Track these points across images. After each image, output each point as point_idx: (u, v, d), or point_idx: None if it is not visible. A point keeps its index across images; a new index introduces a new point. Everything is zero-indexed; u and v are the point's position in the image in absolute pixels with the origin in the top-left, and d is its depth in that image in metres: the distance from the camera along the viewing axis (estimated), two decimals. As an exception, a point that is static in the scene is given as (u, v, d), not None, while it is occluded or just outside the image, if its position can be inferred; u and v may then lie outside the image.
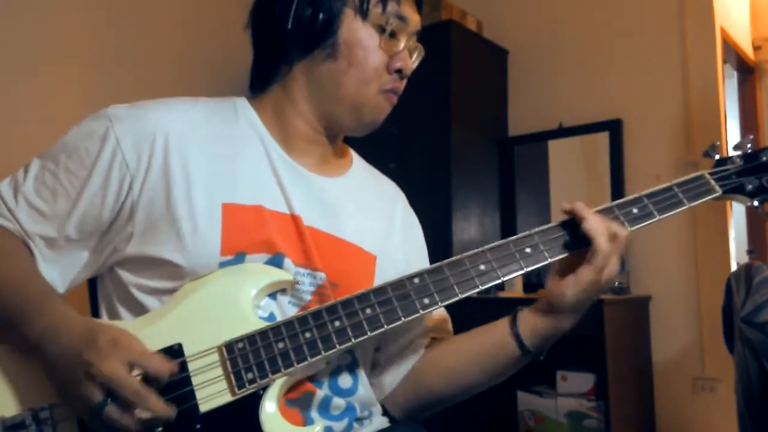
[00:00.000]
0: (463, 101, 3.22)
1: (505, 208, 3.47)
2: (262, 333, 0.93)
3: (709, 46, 3.09)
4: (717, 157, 1.12)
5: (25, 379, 0.90)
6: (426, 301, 0.97)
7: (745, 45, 4.05)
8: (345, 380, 1.07)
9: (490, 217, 3.39)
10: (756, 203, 1.09)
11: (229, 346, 0.92)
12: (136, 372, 0.85)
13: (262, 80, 1.14)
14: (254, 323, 0.95)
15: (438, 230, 3.03)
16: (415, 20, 1.11)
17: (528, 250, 1.02)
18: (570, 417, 2.82)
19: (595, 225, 1.00)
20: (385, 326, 0.95)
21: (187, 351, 0.92)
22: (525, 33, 3.56)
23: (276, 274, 1.00)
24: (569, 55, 3.40)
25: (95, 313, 1.11)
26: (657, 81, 3.15)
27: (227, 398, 0.90)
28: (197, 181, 1.01)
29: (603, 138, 3.25)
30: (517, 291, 3.04)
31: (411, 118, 2.35)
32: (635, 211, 1.05)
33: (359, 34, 1.06)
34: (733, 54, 3.86)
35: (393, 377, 1.17)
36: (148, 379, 0.85)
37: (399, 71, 1.09)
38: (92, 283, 1.13)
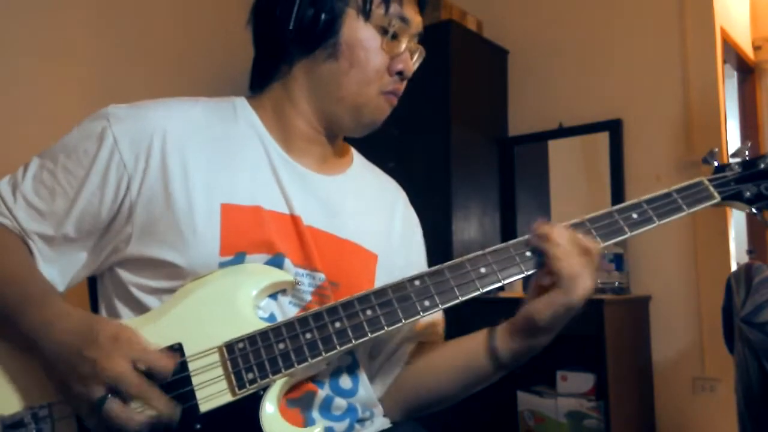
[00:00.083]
0: (463, 101, 3.21)
1: (505, 208, 3.47)
2: (263, 333, 0.93)
3: (709, 46, 3.09)
4: (716, 163, 1.13)
5: (24, 378, 0.90)
6: (426, 303, 0.97)
7: (745, 45, 4.05)
8: (346, 381, 1.07)
9: (490, 217, 3.39)
10: (755, 210, 1.09)
11: (230, 347, 0.92)
12: (139, 367, 0.84)
13: (262, 79, 1.14)
14: (255, 324, 0.95)
15: (438, 230, 3.03)
16: (417, 22, 1.11)
17: (528, 253, 1.01)
18: (570, 417, 2.82)
19: (555, 250, 0.98)
20: (386, 328, 0.95)
21: (188, 351, 0.92)
22: (525, 33, 3.56)
23: (276, 275, 1.00)
24: (569, 55, 3.40)
25: (95, 313, 1.11)
26: (657, 81, 3.15)
27: (227, 398, 0.90)
28: (196, 181, 1.00)
29: (603, 138, 3.25)
30: (518, 291, 3.04)
31: (411, 118, 2.35)
32: (635, 216, 1.05)
33: (361, 35, 1.06)
34: (733, 54, 3.86)
35: (379, 388, 1.17)
36: (149, 375, 0.85)
37: (400, 73, 1.09)
38: (92, 283, 1.13)
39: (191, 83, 2.96)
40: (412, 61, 1.11)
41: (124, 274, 1.03)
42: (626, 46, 3.24)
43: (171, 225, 0.98)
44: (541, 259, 1.00)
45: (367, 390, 1.11)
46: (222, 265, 0.99)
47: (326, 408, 1.03)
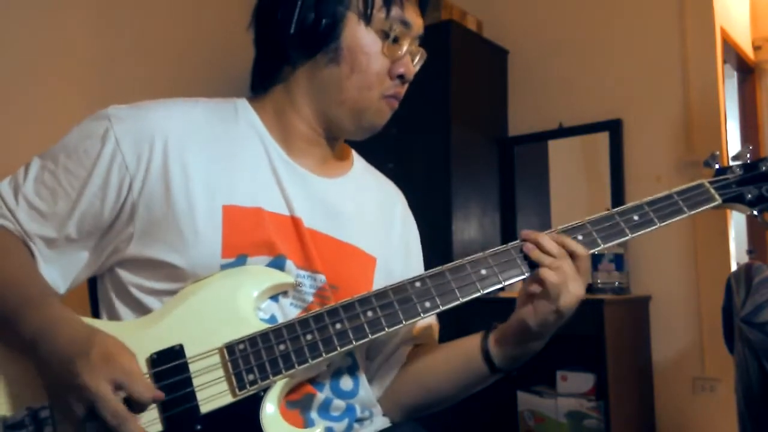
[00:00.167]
0: (463, 101, 3.21)
1: (505, 208, 3.46)
2: (264, 335, 0.93)
3: (709, 46, 3.09)
4: (717, 166, 1.13)
5: (24, 379, 0.90)
6: (427, 304, 0.98)
7: (745, 45, 4.05)
8: (346, 382, 1.07)
9: (490, 217, 3.39)
10: (756, 212, 1.10)
11: (231, 348, 0.93)
12: (121, 392, 0.83)
13: (263, 81, 1.14)
14: (255, 325, 0.95)
15: (438, 230, 3.03)
16: (418, 24, 1.11)
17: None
18: (570, 417, 2.82)
19: (542, 258, 0.99)
20: (387, 329, 0.95)
21: (189, 352, 0.92)
22: (525, 33, 3.56)
23: (278, 277, 1.00)
24: (569, 55, 3.40)
25: (95, 313, 1.11)
26: (657, 81, 3.15)
27: (228, 399, 0.91)
28: (197, 182, 1.00)
29: (603, 138, 3.25)
30: (518, 291, 3.04)
31: (411, 118, 2.34)
32: (636, 218, 1.06)
33: (362, 40, 1.06)
34: (733, 54, 3.86)
35: (377, 390, 1.17)
36: (132, 403, 0.83)
37: (401, 76, 1.09)
38: (92, 283, 1.13)
39: (191, 83, 2.96)
40: (413, 64, 1.11)
41: (125, 275, 1.03)
42: (626, 46, 3.24)
43: (172, 226, 0.98)
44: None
45: (366, 391, 1.11)
46: (223, 266, 0.99)
47: (325, 409, 1.03)
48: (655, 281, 3.07)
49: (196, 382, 0.90)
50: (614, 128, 3.22)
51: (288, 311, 1.02)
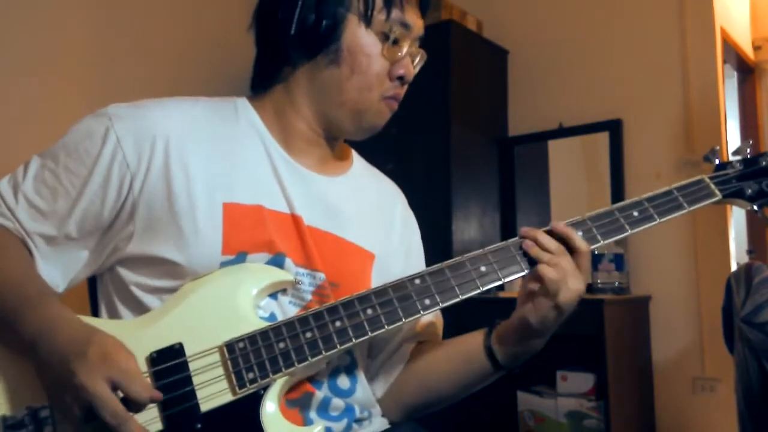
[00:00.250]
0: (463, 101, 3.21)
1: (505, 208, 3.46)
2: (263, 333, 0.93)
3: (709, 46, 3.09)
4: (717, 161, 1.13)
5: (24, 378, 0.90)
6: (427, 302, 0.98)
7: (745, 45, 4.05)
8: (344, 381, 1.07)
9: (490, 217, 3.39)
10: (756, 207, 1.09)
11: (230, 346, 0.93)
12: (119, 392, 0.83)
13: (263, 81, 1.14)
14: (255, 323, 0.95)
15: (438, 230, 3.03)
16: (418, 26, 1.11)
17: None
18: (570, 417, 2.81)
19: (542, 255, 0.99)
20: (386, 327, 0.96)
21: (188, 350, 0.92)
22: (525, 33, 3.56)
23: (277, 275, 1.00)
24: (569, 55, 3.40)
25: (95, 312, 1.11)
26: (657, 81, 3.15)
27: (228, 398, 0.91)
28: (198, 180, 1.01)
29: (603, 138, 3.25)
30: (518, 291, 3.04)
31: (411, 118, 2.34)
32: (636, 214, 1.06)
33: (362, 41, 1.06)
34: (733, 54, 3.86)
35: (380, 387, 1.17)
36: (130, 403, 0.83)
37: (401, 78, 1.09)
38: (92, 282, 1.13)
39: (191, 83, 2.96)
40: (413, 65, 1.11)
41: (125, 273, 1.03)
42: (626, 46, 3.24)
43: (173, 224, 0.99)
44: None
45: (365, 390, 1.11)
46: (223, 264, 0.99)
47: (324, 408, 1.03)
48: (655, 281, 3.07)
49: (195, 380, 0.90)
50: (614, 128, 3.21)
51: (287, 309, 1.02)
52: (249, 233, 1.01)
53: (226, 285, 0.98)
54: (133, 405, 0.83)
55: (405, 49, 1.08)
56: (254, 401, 0.91)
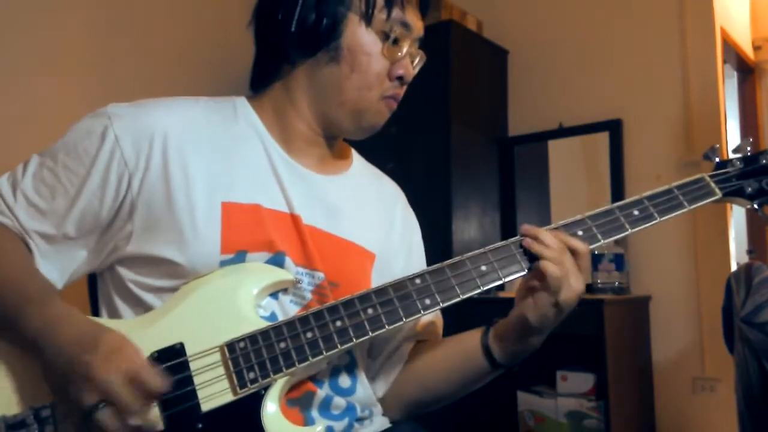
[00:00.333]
0: (463, 101, 3.21)
1: (505, 208, 3.47)
2: (264, 332, 0.93)
3: (709, 46, 3.09)
4: (717, 159, 1.13)
5: (26, 378, 0.90)
6: (427, 301, 0.98)
7: (745, 45, 4.05)
8: (344, 380, 1.08)
9: (490, 217, 3.39)
10: (756, 206, 1.09)
11: (231, 346, 0.93)
12: (132, 385, 0.83)
13: (263, 80, 1.15)
14: (255, 323, 0.95)
15: (438, 230, 3.03)
16: (418, 27, 1.11)
17: (529, 251, 1.01)
18: (570, 417, 2.82)
19: (544, 252, 0.98)
20: (387, 326, 0.95)
21: (189, 350, 0.92)
22: (525, 33, 3.56)
23: (278, 274, 1.00)
24: (569, 55, 3.40)
25: (95, 311, 1.11)
26: (657, 81, 3.15)
27: (229, 398, 0.91)
28: (196, 180, 1.01)
29: (603, 138, 3.25)
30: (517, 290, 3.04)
31: (411, 118, 2.34)
32: (636, 212, 1.05)
33: (363, 40, 1.06)
34: (733, 54, 3.87)
35: (381, 387, 1.18)
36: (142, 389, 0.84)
37: (400, 78, 1.10)
38: (92, 281, 1.13)
39: (191, 83, 2.96)
40: (412, 66, 1.12)
41: (125, 272, 1.03)
42: (626, 46, 3.24)
43: (172, 223, 0.99)
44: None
45: (365, 389, 1.11)
46: (223, 263, 0.99)
47: (325, 407, 1.03)
48: (655, 281, 3.07)
49: (196, 380, 0.90)
50: (614, 128, 3.22)
51: (288, 308, 1.02)
52: (248, 232, 1.01)
53: (227, 284, 0.98)
54: (147, 396, 0.84)
55: (405, 49, 1.09)
56: (255, 401, 0.91)
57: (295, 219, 1.06)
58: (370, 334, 0.95)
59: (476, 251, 1.02)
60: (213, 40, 3.08)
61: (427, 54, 1.14)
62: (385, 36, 1.07)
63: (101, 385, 0.81)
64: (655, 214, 1.05)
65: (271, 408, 0.91)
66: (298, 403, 1.00)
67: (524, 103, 3.53)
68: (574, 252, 1.00)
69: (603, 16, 3.33)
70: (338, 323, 0.95)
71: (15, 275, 0.95)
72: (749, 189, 1.09)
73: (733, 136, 4.08)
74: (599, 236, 1.03)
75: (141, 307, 1.01)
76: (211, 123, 1.07)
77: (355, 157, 1.25)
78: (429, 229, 1.31)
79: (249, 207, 1.03)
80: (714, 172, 1.11)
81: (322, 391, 1.03)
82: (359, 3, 1.06)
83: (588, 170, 3.41)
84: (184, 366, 0.91)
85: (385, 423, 1.13)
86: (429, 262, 1.26)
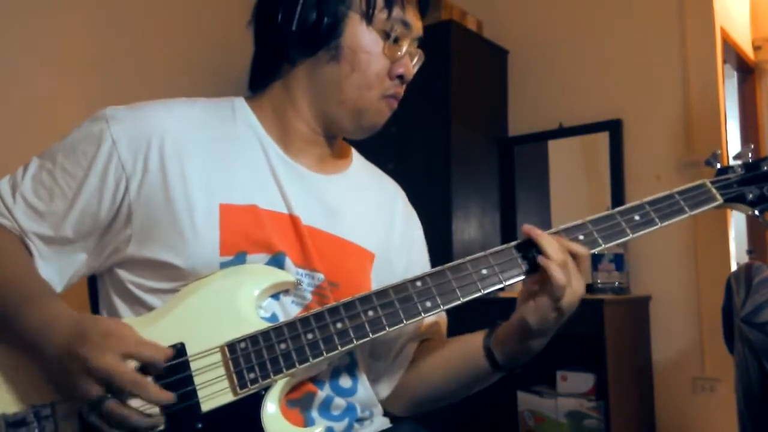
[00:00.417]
0: (463, 101, 3.21)
1: (505, 208, 3.47)
2: (265, 333, 0.94)
3: (709, 46, 3.09)
4: (718, 166, 1.13)
5: (26, 377, 0.90)
6: (428, 304, 0.98)
7: (745, 45, 4.05)
8: (345, 381, 1.08)
9: (490, 217, 3.39)
10: (757, 212, 1.09)
11: (232, 346, 0.93)
12: (131, 363, 0.85)
13: (262, 80, 1.14)
14: (256, 324, 0.95)
15: (438, 230, 3.03)
16: (418, 26, 1.11)
17: (530, 254, 1.01)
18: (570, 417, 2.82)
19: (551, 252, 0.98)
20: (388, 328, 0.96)
21: (190, 350, 0.92)
22: (525, 33, 3.56)
23: (279, 276, 1.00)
24: (569, 55, 3.40)
25: (95, 312, 1.11)
26: (657, 81, 3.15)
27: (229, 398, 0.91)
28: (194, 182, 1.01)
29: (603, 138, 3.25)
30: (517, 291, 3.04)
31: (410, 118, 2.34)
32: (637, 218, 1.05)
33: (363, 39, 1.06)
34: (733, 54, 3.87)
35: (385, 388, 1.18)
36: (144, 368, 0.86)
37: (400, 77, 1.10)
38: (92, 282, 1.13)
39: (191, 83, 2.96)
40: (411, 65, 1.12)
41: (124, 274, 1.03)
42: (626, 46, 3.24)
43: (171, 226, 0.99)
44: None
45: (366, 389, 1.11)
46: (223, 265, 0.99)
47: (326, 408, 1.03)
48: (655, 281, 3.07)
49: (197, 380, 0.91)
50: (614, 128, 3.22)
51: (289, 309, 1.02)
52: (246, 233, 1.01)
53: (228, 286, 0.98)
54: (149, 368, 0.86)
55: (405, 48, 1.09)
56: (255, 401, 0.91)
57: (294, 219, 1.06)
58: (371, 335, 0.95)
59: (477, 254, 1.02)
60: (213, 40, 3.08)
61: (427, 54, 1.15)
62: (385, 35, 1.07)
63: (100, 373, 0.82)
64: (657, 220, 1.05)
65: (271, 408, 0.91)
66: (298, 403, 1.00)
67: (524, 103, 3.53)
68: (574, 255, 0.99)
69: (603, 16, 3.33)
70: (339, 324, 0.95)
71: (14, 275, 0.95)
72: (750, 195, 1.10)
73: (733, 136, 4.08)
74: (600, 241, 1.03)
75: (141, 307, 1.01)
76: (209, 124, 1.07)
77: (355, 156, 1.25)
78: (429, 229, 1.31)
79: (246, 208, 1.03)
80: (715, 178, 1.11)
81: (322, 392, 1.03)
82: (360, 2, 1.06)
83: (588, 170, 3.41)
84: (185, 366, 0.91)
85: (385, 423, 1.14)
86: (431, 262, 1.26)
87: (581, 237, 1.03)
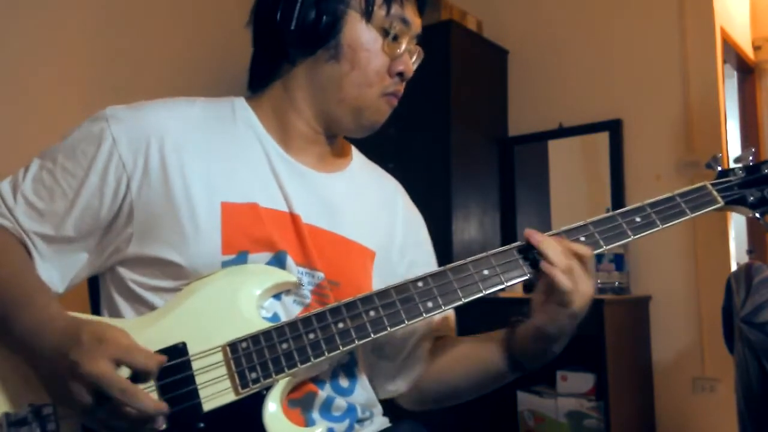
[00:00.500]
0: (463, 101, 3.22)
1: (505, 208, 3.47)
2: (266, 333, 0.94)
3: (709, 46, 3.09)
4: (719, 168, 1.14)
5: (26, 376, 0.90)
6: (429, 304, 0.98)
7: (745, 45, 4.05)
8: (344, 381, 1.08)
9: (490, 217, 3.39)
10: (757, 215, 1.10)
11: (233, 346, 0.93)
12: (124, 371, 0.83)
13: (261, 79, 1.14)
14: (258, 324, 0.95)
15: (438, 230, 2.99)
16: (417, 23, 1.11)
17: (531, 256, 1.02)
18: (570, 417, 2.82)
19: (552, 269, 0.97)
20: (389, 328, 0.96)
21: (191, 350, 0.92)
22: (525, 33, 3.56)
23: (280, 276, 1.00)
24: (569, 55, 3.40)
25: (96, 311, 1.11)
26: (657, 81, 3.15)
27: (231, 397, 0.91)
28: (196, 180, 1.01)
29: (603, 138, 3.26)
30: (517, 291, 3.04)
31: (411, 118, 2.35)
32: (638, 219, 1.06)
33: (363, 37, 1.06)
34: (733, 54, 3.87)
35: (402, 386, 1.18)
36: (138, 375, 0.84)
37: (400, 74, 1.09)
38: (92, 283, 1.13)
39: (191, 83, 2.96)
40: (411, 62, 1.12)
41: (126, 273, 1.03)
42: (626, 46, 3.25)
43: (172, 224, 0.99)
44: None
45: (366, 390, 1.12)
46: (224, 263, 0.99)
47: (326, 408, 1.03)
48: (655, 281, 3.08)
49: (198, 379, 0.91)
50: (614, 128, 3.22)
51: (291, 309, 1.02)
52: (248, 232, 1.01)
53: (229, 285, 0.98)
54: (141, 376, 0.84)
55: (404, 46, 1.09)
56: (257, 401, 0.91)
57: (294, 218, 1.06)
58: (373, 335, 0.95)
59: (479, 255, 1.02)
60: (213, 40, 3.09)
61: (427, 54, 1.15)
62: (384, 32, 1.07)
63: (93, 380, 0.81)
64: (657, 222, 1.06)
65: (272, 408, 0.91)
66: (299, 404, 1.00)
67: (524, 103, 3.53)
68: (578, 257, 0.99)
69: (603, 16, 3.33)
70: (340, 324, 0.95)
71: (11, 276, 0.94)
72: (751, 198, 1.10)
73: (733, 137, 4.08)
74: (602, 242, 1.03)
75: (143, 306, 1.01)
76: (209, 124, 1.07)
77: (355, 154, 1.25)
78: (429, 229, 1.31)
79: (246, 206, 1.03)
80: (716, 181, 1.12)
81: (323, 393, 1.03)
82: (359, 0, 1.06)
83: (588, 170, 3.41)
84: (186, 365, 0.91)
85: (385, 423, 1.14)
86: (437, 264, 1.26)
87: (582, 239, 1.03)
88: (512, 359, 1.08)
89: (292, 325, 0.94)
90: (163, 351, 0.91)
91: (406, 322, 0.96)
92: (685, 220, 1.08)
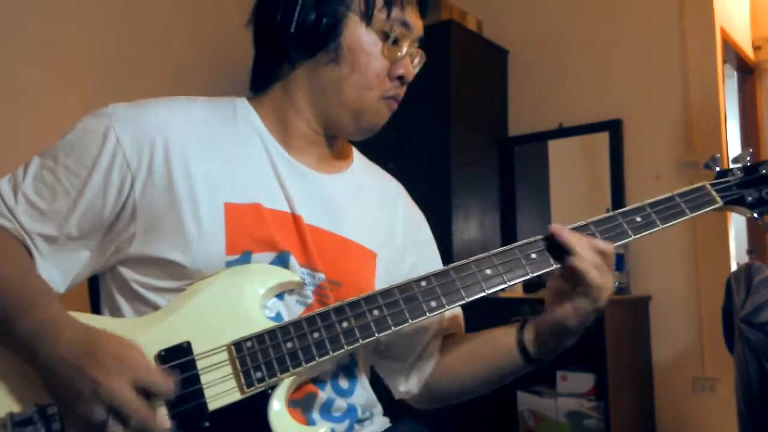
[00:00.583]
0: (463, 101, 3.22)
1: (505, 208, 3.47)
2: (271, 332, 0.94)
3: (709, 46, 3.09)
4: (718, 169, 1.14)
5: (30, 376, 0.89)
6: (433, 303, 0.98)
7: (745, 45, 4.06)
8: (344, 382, 1.08)
9: (490, 217, 3.40)
10: (756, 215, 1.11)
11: (238, 345, 0.93)
12: (139, 389, 0.83)
13: (262, 80, 1.14)
14: (262, 323, 0.95)
15: (438, 230, 2.97)
16: (418, 26, 1.11)
17: (534, 255, 1.02)
18: (570, 417, 2.82)
19: (582, 264, 0.98)
20: (393, 327, 0.96)
21: (196, 349, 0.92)
22: (525, 33, 3.57)
23: (284, 275, 1.00)
24: (569, 55, 3.40)
25: (96, 312, 1.11)
26: (657, 81, 3.15)
27: (236, 396, 0.91)
28: (199, 180, 1.00)
29: (603, 138, 3.26)
30: (518, 291, 3.05)
31: (411, 118, 2.34)
32: (638, 219, 1.06)
33: (363, 40, 1.06)
34: (733, 54, 3.87)
35: (415, 385, 1.18)
36: (150, 395, 0.84)
37: (400, 78, 1.09)
38: (93, 283, 1.12)
39: (191, 83, 2.96)
40: (412, 66, 1.11)
41: (128, 273, 1.02)
42: (626, 46, 3.25)
43: (175, 224, 0.98)
44: (548, 261, 1.02)
45: (365, 390, 1.12)
46: (228, 264, 0.99)
47: (326, 409, 1.03)
48: (655, 281, 3.08)
49: (203, 379, 0.91)
50: (614, 128, 3.22)
51: (293, 309, 1.02)
52: (251, 232, 1.01)
53: (233, 285, 0.98)
54: (155, 399, 0.84)
55: (405, 49, 1.08)
56: (262, 400, 0.91)
57: (296, 219, 1.06)
58: (376, 335, 0.95)
59: (481, 255, 1.02)
60: (213, 40, 3.09)
61: (427, 54, 1.14)
62: (385, 36, 1.07)
63: (109, 400, 0.81)
64: (658, 221, 1.07)
65: (277, 407, 0.92)
66: (299, 404, 1.00)
67: (524, 103, 3.53)
68: (601, 253, 1.00)
69: (603, 16, 3.34)
70: (344, 324, 0.95)
71: (12, 278, 0.94)
72: (749, 198, 1.11)
73: (733, 137, 4.08)
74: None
75: (144, 305, 1.01)
76: (211, 123, 1.07)
77: (356, 155, 1.25)
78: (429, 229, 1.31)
79: (250, 206, 1.02)
80: (715, 181, 1.13)
81: (323, 394, 1.03)
82: (359, 2, 1.06)
83: (588, 170, 3.41)
84: (191, 365, 0.91)
85: (385, 423, 1.14)
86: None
87: None
88: (525, 353, 1.08)
89: (297, 324, 0.95)
90: (167, 350, 0.91)
91: (410, 321, 0.97)
92: (685, 220, 1.09)
